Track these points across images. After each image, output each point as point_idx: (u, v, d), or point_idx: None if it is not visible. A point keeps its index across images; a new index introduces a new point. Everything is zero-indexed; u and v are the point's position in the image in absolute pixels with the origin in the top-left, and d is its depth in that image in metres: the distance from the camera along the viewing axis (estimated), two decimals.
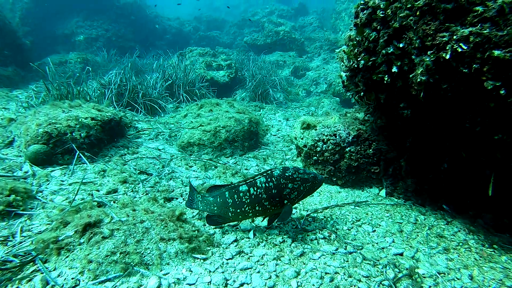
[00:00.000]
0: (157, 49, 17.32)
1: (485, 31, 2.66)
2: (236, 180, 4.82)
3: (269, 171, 3.20)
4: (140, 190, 4.36)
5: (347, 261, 3.02)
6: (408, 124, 3.63)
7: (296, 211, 3.97)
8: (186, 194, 4.30)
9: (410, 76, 2.95)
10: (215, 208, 3.27)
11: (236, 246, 3.20)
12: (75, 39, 17.20)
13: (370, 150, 4.43)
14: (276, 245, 3.22)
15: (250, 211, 3.19)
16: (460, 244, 3.50)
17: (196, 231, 3.18)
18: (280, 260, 2.98)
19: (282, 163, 5.81)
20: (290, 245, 3.23)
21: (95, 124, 5.49)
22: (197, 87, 10.11)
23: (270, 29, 17.84)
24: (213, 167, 5.35)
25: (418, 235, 3.60)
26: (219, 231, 3.45)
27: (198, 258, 2.94)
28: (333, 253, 3.13)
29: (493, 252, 3.41)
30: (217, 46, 18.52)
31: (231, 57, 13.46)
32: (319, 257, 3.05)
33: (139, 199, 4.11)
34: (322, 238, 3.39)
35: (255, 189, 3.13)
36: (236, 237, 3.32)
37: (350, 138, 4.49)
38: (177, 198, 4.25)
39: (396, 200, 4.40)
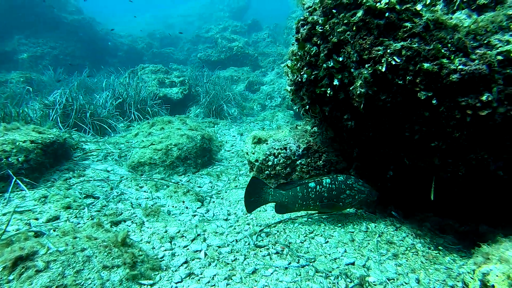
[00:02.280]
0: (109, 67, 16.71)
1: (415, 45, 2.79)
2: (188, 198, 4.64)
3: (335, 175, 3.74)
4: (85, 216, 4.03)
5: (300, 275, 2.96)
6: (353, 135, 3.71)
7: (249, 227, 3.87)
8: (135, 216, 4.06)
9: (351, 88, 3.01)
10: (286, 200, 3.77)
11: (186, 268, 3.02)
12: (17, 57, 16.12)
13: (320, 162, 4.48)
14: (228, 263, 3.09)
15: (312, 205, 3.75)
16: (408, 248, 3.58)
17: (143, 255, 2.97)
18: (231, 279, 2.85)
19: (236, 178, 5.71)
20: (242, 262, 3.12)
21: (35, 147, 5.07)
22: (149, 105, 9.79)
23: (224, 45, 17.94)
24: (165, 187, 5.12)
25: (369, 243, 3.63)
26: (168, 253, 3.25)
27: (144, 285, 2.73)
28: (286, 268, 3.05)
29: (438, 254, 3.52)
30: (171, 62, 18.27)
31: (184, 74, 13.29)
32: (272, 273, 2.96)
33: (83, 225, 3.80)
34: (275, 253, 3.31)
35: (321, 187, 3.67)
36: (186, 259, 3.15)
37: (300, 150, 4.51)
38: (125, 221, 3.98)
39: (348, 209, 4.45)
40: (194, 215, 4.22)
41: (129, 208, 4.32)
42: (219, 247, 3.38)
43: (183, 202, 4.52)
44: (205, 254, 3.23)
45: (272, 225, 3.91)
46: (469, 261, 2.39)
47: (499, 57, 2.83)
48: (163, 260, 3.13)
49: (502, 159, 3.47)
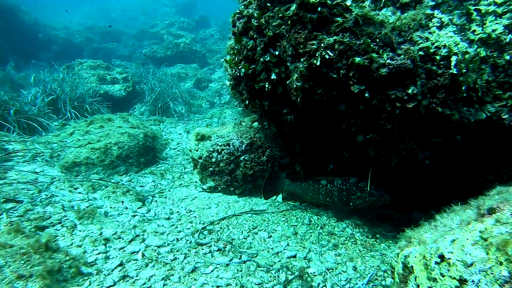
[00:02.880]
0: (42, 61, 15.45)
1: (346, 40, 2.90)
2: (128, 198, 4.45)
3: (347, 178, 3.95)
4: (3, 222, 3.69)
5: (241, 270, 2.97)
6: (294, 129, 3.79)
7: (192, 225, 3.81)
8: (66, 219, 3.79)
9: (288, 82, 3.06)
10: (299, 190, 4.24)
11: (120, 270, 2.89)
12: None
13: (264, 157, 4.52)
14: (167, 263, 3.01)
15: (322, 200, 4.08)
16: (348, 238, 3.74)
17: (71, 260, 2.78)
18: (169, 279, 2.78)
19: (181, 176, 5.59)
20: (182, 261, 3.05)
21: None
22: (87, 103, 9.22)
23: (170, 41, 17.47)
24: (103, 187, 4.86)
25: (311, 235, 3.74)
26: (102, 256, 3.08)
27: None
28: (227, 264, 3.04)
29: (375, 242, 3.73)
30: (114, 58, 17.42)
31: (128, 70, 12.74)
32: (212, 271, 2.94)
33: None
34: (216, 250, 3.29)
35: (331, 186, 3.96)
36: (122, 261, 3.01)
37: (244, 146, 4.53)
38: (54, 225, 3.69)
39: (292, 203, 4.55)
40: (134, 216, 4.06)
41: (60, 211, 4.02)
42: (158, 247, 3.28)
43: (122, 202, 4.32)
44: (143, 255, 3.12)
45: (216, 222, 3.88)
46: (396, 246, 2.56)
47: (421, 53, 3.05)
48: (95, 264, 2.96)
49: (429, 149, 3.77)
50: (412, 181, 4.22)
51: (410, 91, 3.07)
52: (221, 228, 3.77)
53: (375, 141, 3.47)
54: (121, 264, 2.96)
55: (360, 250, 3.50)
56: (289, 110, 3.39)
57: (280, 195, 4.60)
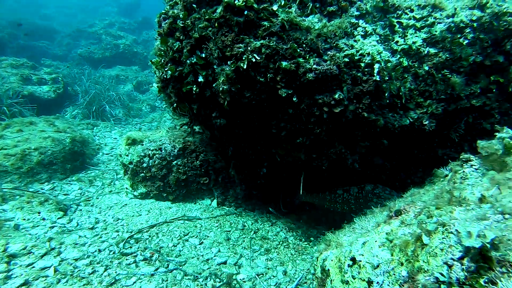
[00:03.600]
0: None
1: (273, 44, 2.94)
2: (46, 208, 4.10)
3: (363, 185, 4.01)
4: None
5: (166, 280, 2.84)
6: (225, 133, 3.76)
7: (118, 234, 3.60)
8: None
9: (214, 85, 3.03)
10: (316, 200, 4.20)
11: None
12: None
13: (197, 161, 4.44)
14: (84, 277, 2.79)
15: (339, 208, 4.07)
16: (281, 242, 3.77)
17: None
18: None
19: (112, 183, 5.29)
20: (102, 274, 2.86)
21: None
22: (5, 104, 8.43)
23: (109, 42, 16.71)
24: (17, 197, 4.42)
25: (244, 241, 3.72)
26: (1, 276, 2.77)
27: None
28: (152, 274, 2.90)
29: (307, 245, 3.80)
30: (44, 58, 16.24)
31: (58, 71, 11.91)
32: (134, 282, 2.78)
33: None
34: (142, 260, 3.12)
35: (347, 195, 4.02)
36: (27, 279, 2.73)
37: (176, 151, 4.40)
38: None
39: (227, 208, 4.50)
40: (52, 227, 3.73)
41: None
42: (76, 260, 3.04)
43: (39, 213, 3.96)
44: (55, 270, 2.86)
45: (145, 230, 3.70)
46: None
47: (346, 59, 3.19)
48: None
49: (358, 153, 3.95)
50: (345, 183, 4.38)
51: (336, 96, 3.19)
52: (150, 236, 3.60)
53: (305, 145, 3.55)
54: (25, 284, 2.68)
55: (292, 254, 3.54)
56: (218, 114, 3.36)
57: (215, 200, 4.53)
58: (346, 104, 3.29)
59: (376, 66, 3.19)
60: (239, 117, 3.41)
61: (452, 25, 3.85)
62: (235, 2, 2.84)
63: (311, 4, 3.18)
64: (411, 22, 3.93)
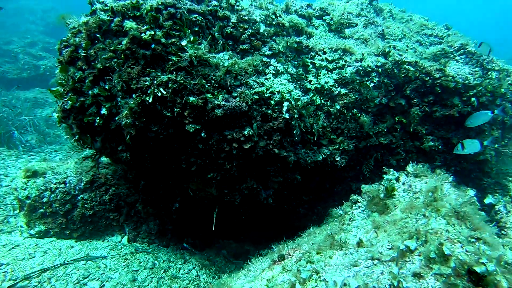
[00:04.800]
0: None
1: (180, 79, 3.01)
2: None
3: None
4: None
5: None
6: (133, 167, 3.69)
7: None
8: None
9: (116, 118, 2.99)
10: None
11: None
12: None
13: (107, 195, 4.25)
14: None
15: None
16: (192, 281, 3.69)
17: None
18: None
19: (5, 220, 4.82)
20: None
21: None
22: None
23: (27, 62, 15.74)
24: None
25: (151, 281, 3.57)
26: None
27: None
28: None
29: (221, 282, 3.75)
30: None
31: None
32: None
33: None
34: None
35: None
36: None
37: (82, 184, 4.19)
38: None
39: (139, 245, 4.32)
40: None
41: None
42: None
43: None
44: None
45: (34, 276, 3.40)
46: None
47: (256, 97, 3.36)
48: None
49: (271, 188, 4.08)
50: (260, 218, 4.47)
51: (246, 132, 3.31)
52: (39, 282, 3.31)
53: (216, 180, 3.59)
54: None
55: None
56: (125, 148, 3.30)
57: (126, 237, 4.33)
58: (256, 141, 3.42)
59: (285, 104, 3.40)
60: (147, 151, 3.38)
61: (360, 68, 4.28)
62: (142, 36, 2.90)
63: (221, 42, 3.34)
64: (324, 63, 4.29)
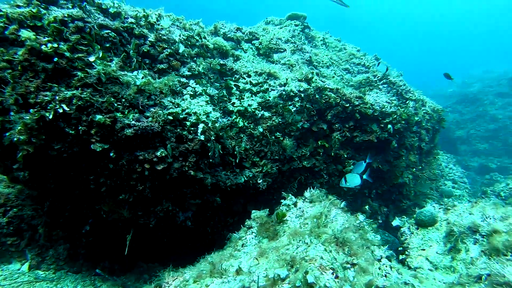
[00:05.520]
0: None
1: (86, 96, 2.88)
2: None
3: None
4: None
5: None
6: (34, 187, 3.43)
7: None
8: None
9: (7, 134, 2.78)
10: None
11: None
12: None
13: (4, 218, 3.90)
14: None
15: None
16: None
17: None
18: None
19: None
20: None
21: None
22: None
23: None
24: None
25: None
26: None
27: None
28: None
29: None
30: None
31: None
32: None
33: None
34: None
35: None
36: None
37: None
38: None
39: (42, 272, 3.98)
40: None
41: None
42: None
43: None
44: None
45: None
46: None
47: (170, 117, 3.30)
48: None
49: (189, 210, 4.00)
50: (179, 241, 4.35)
51: (159, 153, 3.22)
52: None
53: (129, 202, 3.45)
54: None
55: None
56: (22, 166, 3.06)
57: (27, 263, 3.96)
58: (171, 162, 3.34)
59: (201, 126, 3.38)
60: (50, 170, 3.16)
61: (284, 93, 4.41)
62: (42, 48, 2.75)
63: (135, 60, 3.27)
64: (248, 86, 4.36)
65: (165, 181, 3.47)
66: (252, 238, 2.21)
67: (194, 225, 3.98)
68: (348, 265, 1.73)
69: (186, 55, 3.69)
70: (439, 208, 3.99)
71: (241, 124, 4.19)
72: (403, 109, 5.09)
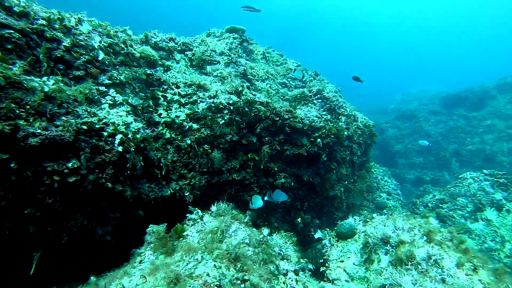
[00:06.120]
0: None
1: None
2: None
3: None
4: None
5: None
6: None
7: None
8: None
9: None
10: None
11: None
12: None
13: None
14: None
15: None
16: None
17: None
18: None
19: None
20: None
21: None
22: None
23: None
24: None
25: None
26: None
27: None
28: None
29: None
30: None
31: None
32: None
33: None
34: None
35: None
36: None
37: None
38: None
39: None
40: None
41: None
42: None
43: None
44: None
45: None
46: None
47: (84, 127, 3.16)
48: None
49: (109, 225, 3.82)
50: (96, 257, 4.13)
51: (70, 164, 3.06)
52: None
53: (36, 217, 3.22)
54: None
55: None
56: None
57: None
58: (85, 174, 3.19)
59: (118, 136, 3.27)
60: None
61: (213, 105, 4.40)
62: None
63: (46, 65, 3.11)
64: (176, 97, 4.31)
65: (79, 194, 3.29)
66: (151, 254, 2.14)
67: (115, 240, 3.81)
68: (238, 281, 1.72)
69: (107, 62, 3.57)
70: (359, 220, 4.15)
71: (168, 135, 4.12)
72: (332, 124, 5.29)
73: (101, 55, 3.50)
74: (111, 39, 3.76)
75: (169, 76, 4.46)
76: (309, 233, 5.62)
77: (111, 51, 3.68)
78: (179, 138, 4.20)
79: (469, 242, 7.74)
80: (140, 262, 2.06)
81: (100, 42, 3.52)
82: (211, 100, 4.42)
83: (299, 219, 5.53)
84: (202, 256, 1.80)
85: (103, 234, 3.76)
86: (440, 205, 8.58)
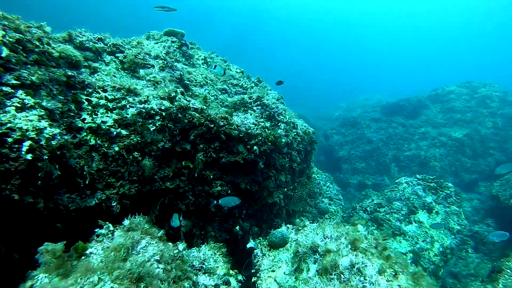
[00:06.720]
0: None
1: None
2: None
3: None
4: None
5: None
6: None
7: None
8: None
9: None
10: None
11: None
12: None
13: None
14: None
15: None
16: None
17: None
18: None
19: None
20: None
21: None
22: None
23: None
24: None
25: None
26: None
27: None
28: None
29: None
30: None
31: None
32: None
33: None
34: None
35: None
36: None
37: None
38: None
39: None
40: None
41: None
42: None
43: None
44: None
45: None
46: None
47: None
48: None
49: (17, 240, 3.46)
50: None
51: None
52: None
53: None
54: None
55: None
56: None
57: None
58: None
59: (26, 143, 2.96)
60: None
61: (144, 110, 4.18)
62: None
63: None
64: (103, 101, 4.03)
65: None
66: (45, 276, 1.91)
67: (27, 258, 3.45)
68: None
69: (13, 60, 3.23)
70: (292, 229, 4.13)
71: (92, 142, 3.84)
72: (269, 131, 5.26)
73: (5, 52, 3.16)
74: (20, 35, 3.42)
75: (96, 79, 4.18)
76: (248, 242, 5.54)
77: (20, 48, 3.34)
78: (105, 145, 3.93)
79: (404, 244, 8.12)
80: (31, 286, 1.83)
81: (3, 36, 3.18)
82: (141, 106, 4.20)
83: (237, 227, 5.43)
84: (99, 278, 1.63)
85: (8, 251, 3.39)
86: (377, 209, 8.92)
